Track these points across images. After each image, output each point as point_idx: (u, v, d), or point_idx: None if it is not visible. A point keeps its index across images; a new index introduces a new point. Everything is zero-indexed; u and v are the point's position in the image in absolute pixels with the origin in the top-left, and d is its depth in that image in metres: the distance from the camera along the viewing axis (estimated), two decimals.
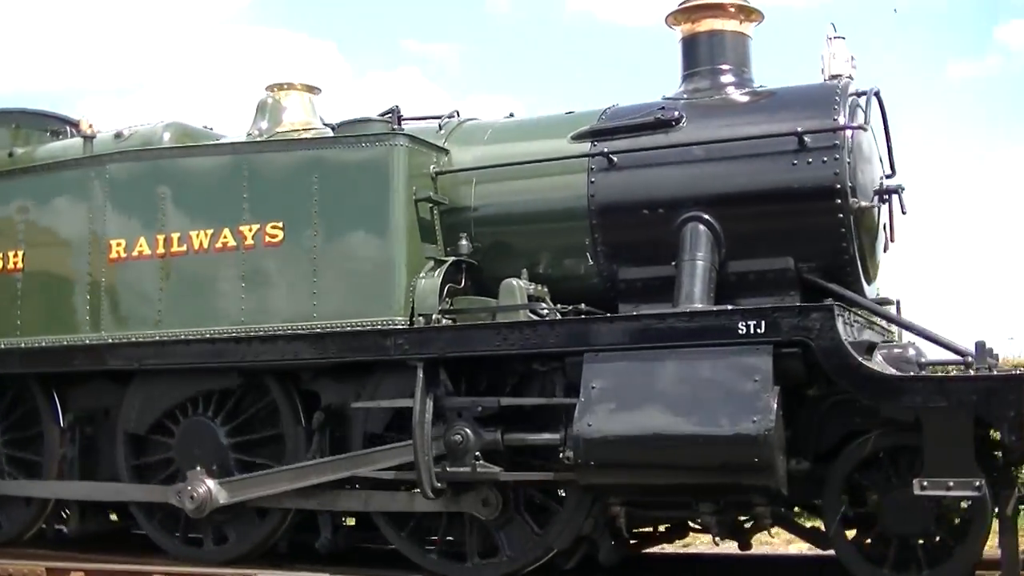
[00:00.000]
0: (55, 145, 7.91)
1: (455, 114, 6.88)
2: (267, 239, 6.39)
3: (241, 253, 6.45)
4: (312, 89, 7.66)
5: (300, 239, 6.27)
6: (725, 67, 6.21)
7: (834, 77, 5.96)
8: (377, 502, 6.17)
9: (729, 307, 5.37)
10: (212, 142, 7.08)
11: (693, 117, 5.98)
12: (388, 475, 6.00)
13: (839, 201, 5.50)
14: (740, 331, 5.07)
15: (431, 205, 6.26)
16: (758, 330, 5.03)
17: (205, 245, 6.59)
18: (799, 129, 5.58)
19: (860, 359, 4.90)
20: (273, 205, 6.40)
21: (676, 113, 5.99)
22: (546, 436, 5.64)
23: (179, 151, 6.87)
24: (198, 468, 6.51)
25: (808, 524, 6.05)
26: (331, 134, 6.69)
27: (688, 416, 5.04)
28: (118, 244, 6.90)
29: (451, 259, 6.09)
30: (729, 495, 5.17)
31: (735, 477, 5.00)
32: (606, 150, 5.97)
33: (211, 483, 6.44)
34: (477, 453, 5.73)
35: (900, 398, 4.83)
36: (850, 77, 5.93)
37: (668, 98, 6.33)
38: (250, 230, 6.44)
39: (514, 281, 5.96)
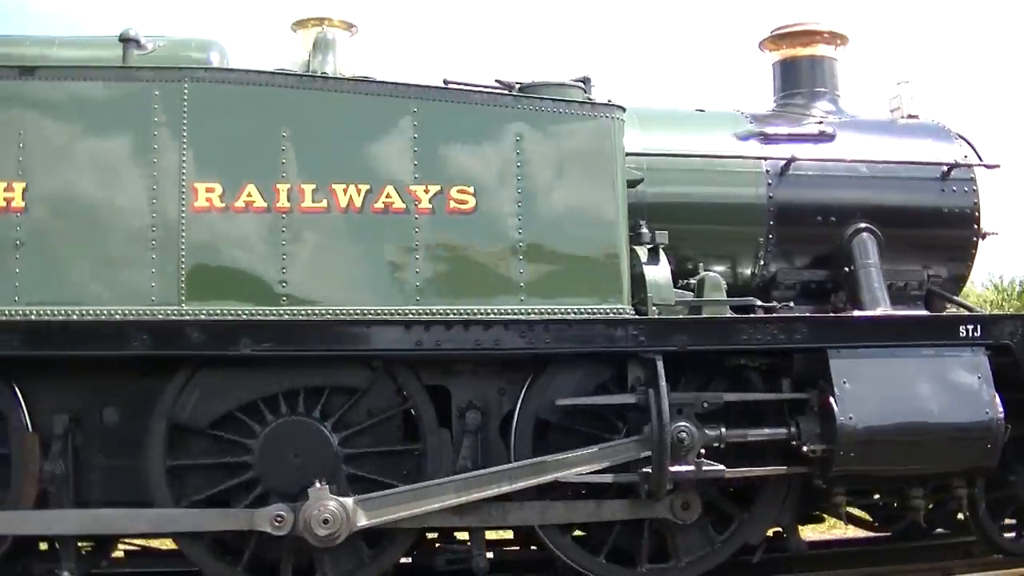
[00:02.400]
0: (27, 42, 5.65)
1: None
2: (452, 205, 5.43)
3: (412, 218, 5.39)
4: (350, 27, 6.51)
5: (499, 210, 5.46)
6: (822, 90, 6.86)
7: (912, 116, 6.96)
8: (557, 514, 5.58)
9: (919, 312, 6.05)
10: (359, 77, 5.67)
11: (842, 134, 6.52)
12: (605, 478, 5.52)
13: (975, 226, 6.50)
14: (961, 334, 5.76)
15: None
16: (975, 333, 5.77)
17: (357, 204, 5.36)
18: (949, 159, 6.47)
19: None
20: (460, 165, 5.46)
21: (832, 129, 6.47)
22: (769, 431, 5.71)
23: (310, 81, 5.45)
24: (317, 484, 5.23)
25: None
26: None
27: (935, 409, 5.56)
28: (208, 189, 5.26)
29: (660, 245, 5.80)
30: (962, 478, 5.82)
31: (973, 462, 5.68)
32: (793, 156, 6.23)
33: (347, 501, 5.23)
34: (701, 450, 5.59)
35: None
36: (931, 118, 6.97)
37: (757, 114, 6.74)
38: (427, 191, 5.42)
39: (718, 276, 5.92)
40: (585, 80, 5.95)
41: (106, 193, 5.20)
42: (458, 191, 5.44)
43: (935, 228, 6.48)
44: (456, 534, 6.07)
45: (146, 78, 5.31)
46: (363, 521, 5.20)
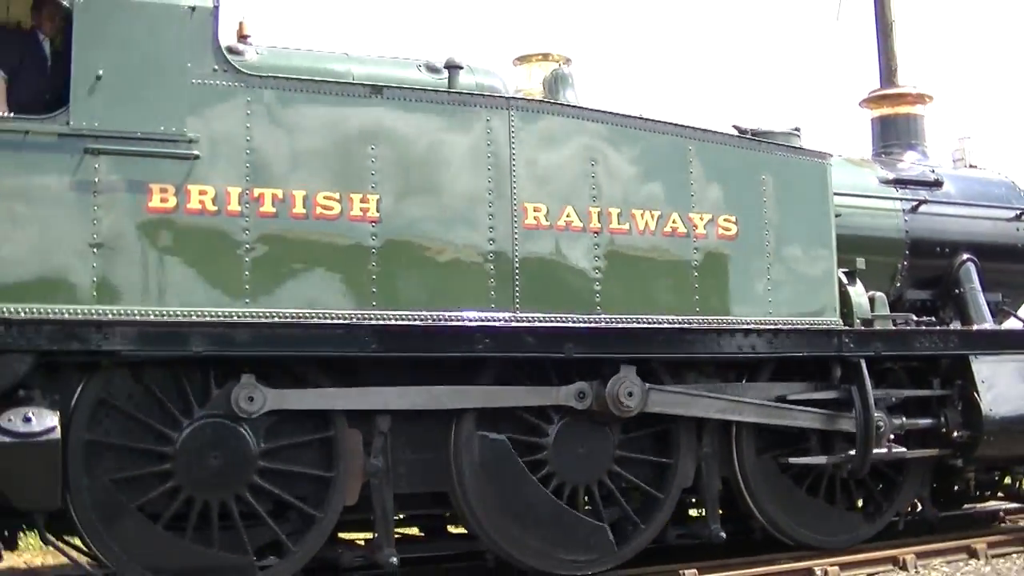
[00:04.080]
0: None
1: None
2: (720, 231, 6.33)
3: (692, 241, 6.23)
4: (567, 60, 7.20)
5: (754, 237, 6.41)
6: (914, 143, 8.34)
7: (972, 166, 8.58)
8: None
9: None
10: (645, 116, 6.32)
11: (946, 181, 7.98)
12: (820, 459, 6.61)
13: None
14: None
15: None
16: None
17: (652, 228, 6.13)
18: (1020, 206, 8.08)
19: None
20: (724, 198, 6.36)
21: (939, 177, 7.92)
22: (930, 420, 7.01)
23: (612, 117, 6.12)
24: (624, 367, 5.95)
25: None
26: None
27: None
28: (536, 209, 5.84)
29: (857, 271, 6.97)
30: None
31: None
32: (924, 198, 7.61)
33: (644, 384, 5.97)
34: (891, 436, 6.80)
35: None
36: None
37: (880, 161, 8.12)
38: (701, 219, 6.28)
39: (884, 295, 7.16)
40: (797, 129, 7.01)
41: (447, 207, 5.66)
42: (724, 219, 6.34)
43: (1010, 261, 8.07)
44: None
45: (479, 104, 5.80)
46: (655, 408, 6.05)
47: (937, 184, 7.88)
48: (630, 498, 6.35)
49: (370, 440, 5.66)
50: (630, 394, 5.94)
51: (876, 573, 6.53)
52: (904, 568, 6.56)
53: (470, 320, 5.59)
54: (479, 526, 5.88)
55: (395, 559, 5.64)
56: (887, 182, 7.69)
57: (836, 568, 6.33)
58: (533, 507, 5.94)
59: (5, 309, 4.79)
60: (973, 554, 6.83)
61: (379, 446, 5.68)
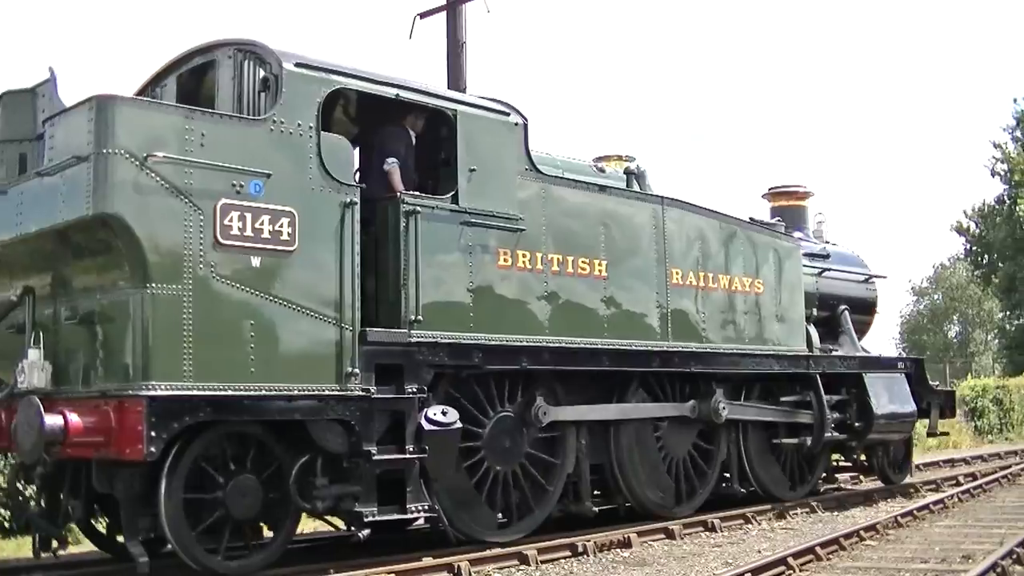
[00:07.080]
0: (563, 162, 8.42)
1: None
2: (756, 289, 9.59)
3: (744, 295, 9.43)
4: (632, 159, 10.10)
5: (770, 294, 9.75)
6: (802, 226, 12.23)
7: (828, 241, 12.64)
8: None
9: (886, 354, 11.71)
10: (720, 211, 9.29)
11: (831, 254, 11.89)
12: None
13: (874, 310, 12.35)
14: (898, 366, 11.53)
15: None
16: (901, 366, 11.59)
17: (726, 286, 9.25)
18: (865, 272, 12.21)
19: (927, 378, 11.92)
20: (756, 267, 9.63)
21: (827, 252, 11.82)
22: (840, 415, 10.76)
23: (709, 212, 9.13)
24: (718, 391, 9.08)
25: None
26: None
27: (898, 404, 11.20)
28: (676, 272, 8.74)
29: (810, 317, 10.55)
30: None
31: (907, 434, 11.43)
32: (823, 268, 11.44)
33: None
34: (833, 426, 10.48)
35: None
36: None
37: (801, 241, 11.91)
38: (748, 280, 9.51)
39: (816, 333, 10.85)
40: (780, 219, 10.48)
41: (638, 270, 8.38)
42: (758, 282, 9.63)
43: (862, 312, 12.18)
44: None
45: (649, 200, 8.59)
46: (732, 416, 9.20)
47: (827, 256, 11.78)
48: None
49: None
50: (723, 408, 9.05)
51: None
52: (458, 575, 6.64)
53: (644, 346, 8.36)
54: (627, 486, 8.63)
55: (595, 509, 8.24)
56: (806, 256, 11.42)
57: None
58: (655, 470, 8.83)
59: (421, 335, 6.81)
60: (524, 560, 7.13)
61: (584, 431, 8.24)
